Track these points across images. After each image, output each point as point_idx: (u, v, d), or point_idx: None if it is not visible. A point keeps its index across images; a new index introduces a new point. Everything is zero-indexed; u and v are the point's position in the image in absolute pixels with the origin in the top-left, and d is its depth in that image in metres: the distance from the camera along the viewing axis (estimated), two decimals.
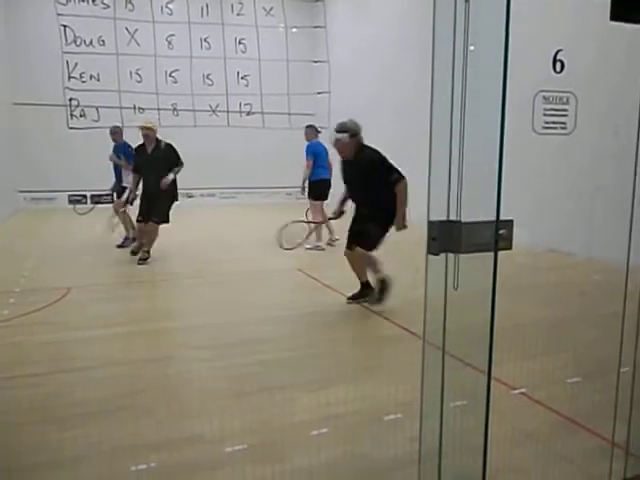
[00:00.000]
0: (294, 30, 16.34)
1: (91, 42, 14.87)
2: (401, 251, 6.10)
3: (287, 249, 5.95)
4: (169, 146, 7.49)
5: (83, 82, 14.91)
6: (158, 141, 7.45)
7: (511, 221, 1.70)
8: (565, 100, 8.35)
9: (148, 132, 7.39)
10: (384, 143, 12.85)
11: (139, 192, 7.72)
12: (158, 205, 7.32)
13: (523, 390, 3.29)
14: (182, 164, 7.54)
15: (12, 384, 3.52)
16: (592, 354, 3.92)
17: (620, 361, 2.12)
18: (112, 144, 9.03)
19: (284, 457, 2.61)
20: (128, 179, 8.35)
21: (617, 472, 2.14)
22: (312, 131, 9.00)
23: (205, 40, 15.92)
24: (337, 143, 5.18)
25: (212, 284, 6.38)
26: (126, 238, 8.55)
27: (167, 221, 7.42)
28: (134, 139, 8.60)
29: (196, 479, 2.48)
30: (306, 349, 4.16)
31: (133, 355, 4.06)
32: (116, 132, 9.05)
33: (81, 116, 14.96)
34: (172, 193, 7.47)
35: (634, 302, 2.11)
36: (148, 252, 7.35)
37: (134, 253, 7.64)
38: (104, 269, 7.11)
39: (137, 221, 7.61)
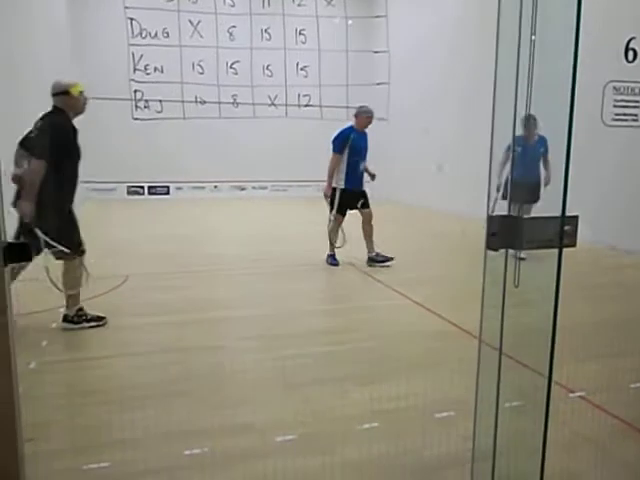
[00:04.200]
0: (350, 22, 16.22)
1: (156, 34, 15.24)
2: (454, 245, 6.00)
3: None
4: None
5: (147, 74, 15.31)
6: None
7: (576, 217, 1.62)
8: (637, 91, 8.03)
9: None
10: (445, 134, 12.63)
11: None
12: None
13: (582, 393, 3.17)
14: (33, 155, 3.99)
15: (74, 366, 3.67)
16: None
17: None
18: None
19: (334, 449, 2.61)
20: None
21: None
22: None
23: (266, 31, 16.03)
24: None
25: (265, 275, 6.44)
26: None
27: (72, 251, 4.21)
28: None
29: (247, 466, 2.51)
30: (357, 343, 4.14)
31: (187, 343, 4.15)
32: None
33: (145, 107, 15.37)
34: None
35: None
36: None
37: None
38: (161, 259, 7.30)
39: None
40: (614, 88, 6.82)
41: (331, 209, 6.82)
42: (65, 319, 4.32)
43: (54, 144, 4.04)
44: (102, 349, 3.98)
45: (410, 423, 2.88)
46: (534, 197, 7.17)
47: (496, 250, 1.63)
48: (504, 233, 1.59)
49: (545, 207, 1.62)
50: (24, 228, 3.94)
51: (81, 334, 4.26)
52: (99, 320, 4.37)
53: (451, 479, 2.42)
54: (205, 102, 15.40)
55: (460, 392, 2.86)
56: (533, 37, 1.51)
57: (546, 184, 6.80)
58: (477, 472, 1.95)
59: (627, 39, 6.82)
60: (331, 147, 6.86)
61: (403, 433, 2.77)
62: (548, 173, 6.94)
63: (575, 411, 3.01)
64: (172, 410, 3.03)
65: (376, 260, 6.64)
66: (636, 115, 6.91)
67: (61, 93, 4.24)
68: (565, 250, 1.63)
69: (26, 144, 4.14)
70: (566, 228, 1.57)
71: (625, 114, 6.92)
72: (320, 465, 2.48)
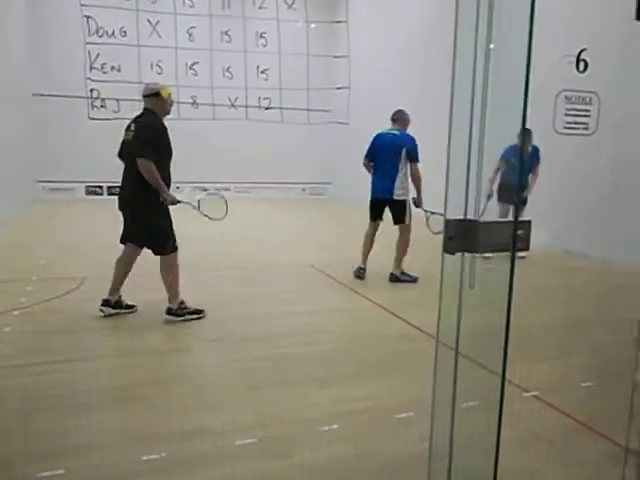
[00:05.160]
0: (312, 26, 16.31)
1: (113, 33, 14.97)
2: (414, 246, 6.09)
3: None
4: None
5: (104, 73, 15.02)
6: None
7: (529, 222, 1.67)
8: (588, 100, 8.28)
9: None
10: None
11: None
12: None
13: (536, 393, 3.26)
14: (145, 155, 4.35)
15: (28, 371, 3.56)
16: (606, 358, 3.88)
17: (633, 366, 2.09)
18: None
19: (294, 452, 2.62)
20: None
21: (629, 478, 2.11)
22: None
23: (226, 33, 15.94)
24: None
25: (227, 277, 6.40)
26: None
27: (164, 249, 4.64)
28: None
29: (206, 471, 2.49)
30: (319, 345, 4.16)
31: (146, 346, 4.09)
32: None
33: (101, 107, 15.08)
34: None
35: None
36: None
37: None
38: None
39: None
40: (566, 97, 7.05)
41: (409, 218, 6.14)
42: (169, 312, 4.60)
43: (157, 143, 4.40)
44: (56, 353, 3.88)
45: (370, 424, 2.91)
46: (523, 200, 7.38)
47: (453, 253, 1.67)
48: (461, 237, 1.63)
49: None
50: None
51: (36, 338, 4.15)
52: (199, 313, 4.68)
53: (409, 479, 2.46)
54: None
55: (420, 393, 2.89)
56: (492, 46, 1.55)
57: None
58: (434, 471, 1.99)
59: (579, 50, 7.07)
60: (409, 156, 6.06)
61: (363, 435, 2.80)
62: (531, 183, 7.28)
63: (529, 410, 3.10)
64: (129, 415, 2.98)
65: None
66: (586, 124, 7.16)
67: (152, 95, 4.55)
68: (521, 253, 1.69)
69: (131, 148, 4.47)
70: (519, 232, 1.62)
71: (576, 122, 7.16)
72: (279, 468, 2.49)
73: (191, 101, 15.57)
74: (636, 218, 6.85)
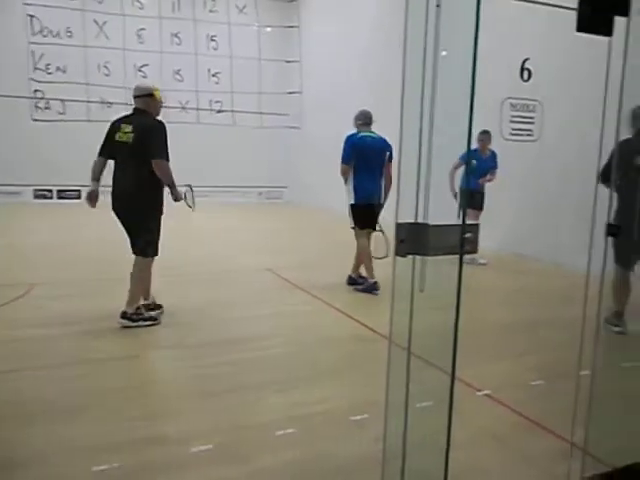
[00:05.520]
0: (268, 29, 16.31)
1: (58, 33, 14.57)
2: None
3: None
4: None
5: (49, 74, 14.59)
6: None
7: (477, 225, 1.73)
8: (532, 108, 8.53)
9: None
10: None
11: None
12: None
13: (488, 392, 3.35)
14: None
15: None
16: (554, 357, 4.01)
17: (580, 365, 2.18)
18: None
19: (250, 457, 2.60)
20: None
21: (575, 472, 2.19)
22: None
23: (176, 35, 15.73)
24: None
25: (180, 283, 6.31)
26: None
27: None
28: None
29: (161, 479, 2.45)
30: (275, 349, 4.15)
31: (98, 354, 3.98)
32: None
33: (46, 108, 14.64)
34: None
35: (594, 307, 2.16)
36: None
37: None
38: (69, 266, 6.97)
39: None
40: (511, 105, 7.27)
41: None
42: (124, 316, 4.45)
43: (164, 143, 4.44)
44: (3, 362, 3.73)
45: (326, 427, 2.92)
46: (480, 204, 7.55)
47: (404, 256, 1.70)
48: (411, 240, 1.66)
49: (449, 215, 1.71)
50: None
51: None
52: (154, 320, 4.59)
53: None
54: (112, 104, 14.85)
55: (375, 394, 2.92)
56: (444, 53, 1.59)
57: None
58: (387, 472, 2.01)
59: (522, 59, 7.30)
60: (389, 157, 5.90)
61: (319, 438, 2.81)
62: (483, 180, 7.52)
63: (481, 409, 3.18)
64: (78, 424, 2.90)
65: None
66: (531, 130, 7.40)
67: (146, 95, 4.49)
68: (481, 260, 1.73)
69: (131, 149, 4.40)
70: (467, 235, 1.66)
71: (521, 129, 7.39)
72: (235, 474, 2.47)
73: None
74: (581, 221, 7.11)
